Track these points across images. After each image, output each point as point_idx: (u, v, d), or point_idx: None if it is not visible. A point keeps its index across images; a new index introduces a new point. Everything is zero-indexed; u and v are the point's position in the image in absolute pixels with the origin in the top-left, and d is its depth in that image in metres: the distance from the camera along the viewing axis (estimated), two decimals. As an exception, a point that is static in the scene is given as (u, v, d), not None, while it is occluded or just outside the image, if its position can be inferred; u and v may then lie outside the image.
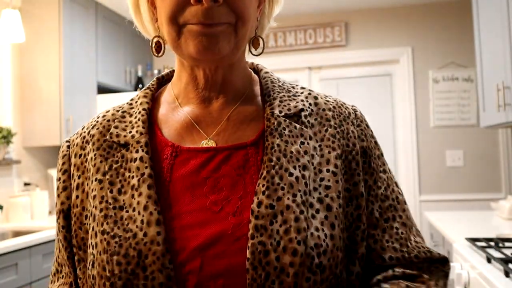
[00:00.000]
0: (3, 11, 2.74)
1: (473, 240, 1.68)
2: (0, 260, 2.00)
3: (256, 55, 0.68)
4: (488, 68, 2.40)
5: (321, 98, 0.70)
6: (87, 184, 0.64)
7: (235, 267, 0.56)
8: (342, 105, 0.70)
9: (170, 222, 0.59)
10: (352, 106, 0.72)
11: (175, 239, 0.58)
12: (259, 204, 0.58)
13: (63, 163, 0.68)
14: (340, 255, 0.59)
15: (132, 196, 0.60)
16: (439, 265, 0.66)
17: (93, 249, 0.60)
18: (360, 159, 0.66)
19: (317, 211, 0.59)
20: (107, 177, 0.62)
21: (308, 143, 0.63)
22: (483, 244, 1.62)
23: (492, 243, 1.59)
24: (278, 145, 0.62)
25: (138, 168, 0.61)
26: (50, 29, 2.99)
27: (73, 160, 0.67)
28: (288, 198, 0.58)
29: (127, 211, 0.59)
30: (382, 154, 0.70)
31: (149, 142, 0.64)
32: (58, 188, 0.67)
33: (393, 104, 3.86)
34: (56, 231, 0.68)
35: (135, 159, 0.62)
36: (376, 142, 0.70)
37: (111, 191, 0.61)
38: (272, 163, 0.60)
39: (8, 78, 2.98)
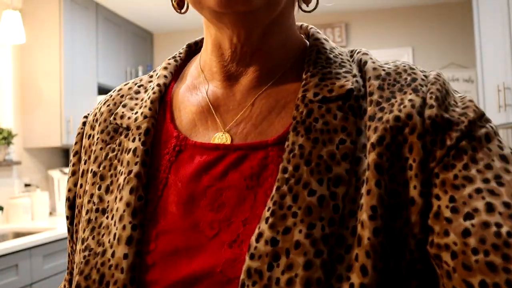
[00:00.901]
0: (3, 12, 2.74)
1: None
2: (0, 261, 2.00)
3: (309, 12, 0.51)
4: (488, 69, 2.40)
5: (383, 69, 0.47)
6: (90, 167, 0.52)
7: None
8: (414, 72, 0.46)
9: (149, 242, 0.44)
10: (435, 72, 0.46)
11: (149, 266, 0.43)
12: (259, 237, 0.39)
13: (76, 143, 0.58)
14: None
15: (115, 199, 0.46)
16: None
17: (77, 256, 0.47)
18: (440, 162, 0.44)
19: (348, 249, 0.39)
20: (101, 168, 0.49)
21: (353, 141, 0.42)
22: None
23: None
24: (301, 146, 0.42)
25: (128, 163, 0.47)
26: (51, 30, 2.99)
27: (84, 141, 0.56)
28: (301, 231, 0.39)
29: (107, 217, 0.46)
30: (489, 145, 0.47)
31: (152, 128, 0.49)
32: (69, 172, 0.56)
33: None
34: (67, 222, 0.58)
35: (129, 150, 0.48)
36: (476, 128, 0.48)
37: (99, 188, 0.48)
38: (287, 175, 0.41)
39: (8, 79, 2.97)
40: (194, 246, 0.42)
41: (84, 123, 0.58)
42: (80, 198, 0.52)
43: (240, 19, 0.44)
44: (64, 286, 0.59)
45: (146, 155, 0.47)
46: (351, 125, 0.43)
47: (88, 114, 0.59)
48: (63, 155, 3.51)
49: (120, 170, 0.48)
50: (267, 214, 0.40)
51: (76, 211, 0.53)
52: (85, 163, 0.53)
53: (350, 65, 0.48)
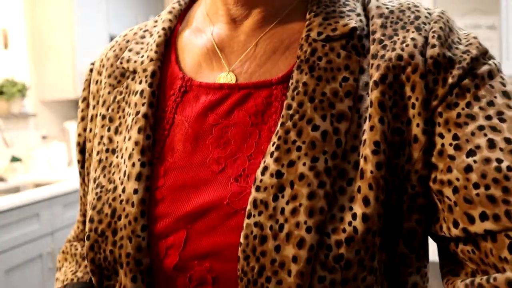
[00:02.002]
0: (10, -40, 2.67)
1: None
2: (22, 211, 2.06)
3: None
4: (514, 14, 2.29)
5: (388, 6, 0.47)
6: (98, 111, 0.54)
7: (226, 250, 0.41)
8: (419, 9, 0.46)
9: (157, 179, 0.46)
10: (441, 11, 0.46)
11: (158, 201, 0.45)
12: (264, 170, 0.41)
13: (84, 89, 0.59)
14: (377, 242, 0.39)
15: (124, 139, 0.48)
16: None
17: (91, 193, 0.50)
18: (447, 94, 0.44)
19: (350, 181, 0.40)
20: (110, 111, 0.51)
21: (356, 79, 0.43)
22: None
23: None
24: (305, 83, 0.43)
25: (135, 104, 0.49)
26: (59, -21, 2.92)
27: (92, 87, 0.57)
28: (304, 164, 0.40)
29: (117, 157, 0.48)
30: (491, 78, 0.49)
31: (158, 71, 0.50)
32: (77, 118, 0.59)
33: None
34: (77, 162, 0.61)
35: (136, 92, 0.49)
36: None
37: (109, 129, 0.51)
38: (291, 111, 0.42)
39: (21, 32, 2.95)
40: (202, 181, 0.44)
41: (91, 70, 0.59)
42: (90, 142, 0.54)
43: None
44: (78, 227, 0.64)
45: (153, 96, 0.49)
46: (354, 64, 0.43)
47: (95, 61, 0.60)
48: (77, 107, 3.53)
49: (128, 112, 0.49)
50: (272, 148, 0.42)
51: (87, 154, 0.55)
52: (93, 108, 0.55)
53: (354, 4, 0.48)
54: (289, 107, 0.43)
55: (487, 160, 0.37)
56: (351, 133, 0.41)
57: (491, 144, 0.38)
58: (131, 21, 3.61)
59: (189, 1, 0.57)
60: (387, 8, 0.46)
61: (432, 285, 3.29)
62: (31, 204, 2.12)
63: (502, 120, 0.39)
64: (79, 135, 0.57)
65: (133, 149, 0.46)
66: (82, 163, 0.58)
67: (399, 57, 0.42)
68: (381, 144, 0.40)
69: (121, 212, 0.45)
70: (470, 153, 0.38)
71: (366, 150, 0.40)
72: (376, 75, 0.42)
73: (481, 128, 0.39)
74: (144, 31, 0.56)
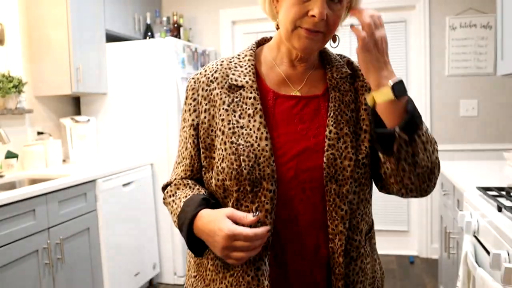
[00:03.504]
0: (6, -45, 2.66)
1: (484, 189, 1.68)
2: (18, 206, 2.06)
3: (334, 47, 0.98)
4: (509, 14, 2.31)
5: (354, 63, 1.04)
6: (213, 110, 0.97)
7: (316, 166, 0.92)
8: (357, 66, 1.02)
9: (274, 139, 0.93)
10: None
11: (278, 148, 0.93)
12: (330, 131, 0.94)
13: (193, 93, 1.00)
14: (370, 157, 0.95)
15: (249, 121, 0.93)
16: None
17: (223, 151, 0.93)
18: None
19: (360, 135, 0.96)
20: (232, 106, 0.95)
21: (352, 94, 0.99)
22: (494, 193, 1.62)
23: (504, 193, 1.59)
24: (338, 96, 0.97)
25: (252, 104, 0.94)
26: (56, -26, 2.91)
27: (200, 92, 0.99)
28: (346, 129, 0.94)
29: (245, 130, 0.92)
30: None
31: (258, 87, 0.97)
32: (189, 110, 1.00)
33: (407, 52, 3.77)
34: (185, 136, 1.02)
35: (250, 97, 0.95)
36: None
37: (235, 116, 0.94)
38: (336, 107, 0.96)
39: (16, 27, 2.94)
40: (297, 139, 0.94)
41: (195, 82, 1.01)
42: (204, 124, 0.97)
43: (308, 53, 0.97)
44: (184, 173, 1.03)
45: (260, 100, 0.96)
46: (352, 89, 1.00)
47: (195, 77, 1.02)
48: (73, 104, 3.52)
49: (246, 107, 0.94)
50: (331, 122, 0.95)
51: (203, 131, 0.97)
52: (206, 105, 0.98)
53: (342, 62, 1.03)
54: (334, 105, 0.96)
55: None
56: (359, 116, 0.97)
57: None
58: (127, 18, 3.61)
59: (256, 45, 1.05)
60: (357, 66, 1.03)
61: (429, 283, 3.32)
62: (27, 200, 2.12)
63: None
64: (193, 119, 0.99)
65: (259, 125, 0.92)
66: (195, 135, 0.99)
67: (362, 93, 1.00)
68: (369, 124, 0.95)
69: (260, 155, 0.90)
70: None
71: (366, 123, 0.96)
72: (362, 98, 0.99)
73: None
74: (235, 64, 1.00)
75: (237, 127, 0.92)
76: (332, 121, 0.94)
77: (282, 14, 0.92)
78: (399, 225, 3.91)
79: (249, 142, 0.90)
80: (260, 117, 0.93)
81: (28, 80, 2.99)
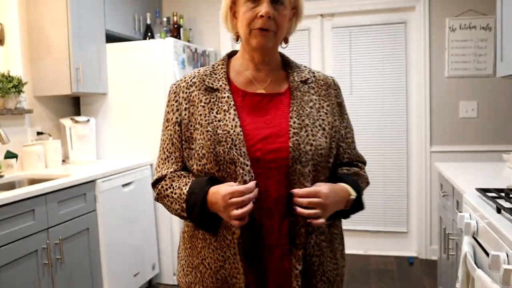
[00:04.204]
0: (7, -45, 2.66)
1: (483, 191, 1.68)
2: (18, 206, 2.06)
3: (284, 48, 1.24)
4: (509, 16, 2.31)
5: (316, 73, 1.26)
6: (192, 108, 1.15)
7: (282, 148, 1.10)
8: (326, 77, 1.26)
9: (245, 127, 1.11)
10: (331, 77, 1.28)
11: (246, 134, 1.10)
12: (294, 122, 1.12)
13: (175, 96, 1.19)
14: (328, 152, 1.15)
15: (225, 115, 1.12)
16: (364, 163, 1.30)
17: (202, 140, 1.11)
18: (337, 108, 1.23)
19: (319, 129, 1.15)
20: (209, 105, 1.14)
21: (310, 97, 1.19)
22: (493, 194, 1.62)
23: (503, 194, 1.59)
24: (299, 95, 1.18)
25: (226, 101, 1.14)
26: (56, -26, 2.91)
27: (181, 94, 1.18)
28: (307, 121, 1.14)
29: (222, 122, 1.11)
30: (344, 106, 1.28)
31: (229, 88, 1.17)
32: (172, 110, 1.18)
33: (407, 53, 3.77)
34: (169, 134, 1.19)
35: (224, 97, 1.14)
36: (343, 99, 1.27)
37: (212, 113, 1.13)
38: (297, 103, 1.16)
39: (16, 27, 2.94)
40: (263, 127, 1.12)
41: (176, 87, 1.21)
42: (185, 120, 1.16)
43: (264, 51, 1.17)
44: (176, 164, 1.19)
45: (232, 98, 1.15)
46: (310, 91, 1.21)
47: (176, 83, 1.22)
48: (73, 104, 3.52)
49: (222, 105, 1.13)
50: (294, 114, 1.14)
51: (184, 126, 1.16)
52: (186, 104, 1.17)
53: (303, 69, 1.25)
54: (296, 102, 1.16)
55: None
56: (315, 113, 1.17)
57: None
58: (127, 18, 3.61)
59: (227, 57, 1.25)
60: (321, 77, 1.26)
61: (429, 284, 3.32)
62: (26, 200, 2.12)
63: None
64: (177, 117, 1.17)
65: (234, 117, 1.11)
66: (180, 131, 1.17)
67: (331, 100, 1.24)
68: (329, 124, 1.19)
69: (235, 138, 1.08)
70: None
71: (325, 122, 1.18)
72: (324, 104, 1.21)
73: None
74: (210, 72, 1.20)
75: (216, 121, 1.11)
76: (295, 114, 1.14)
77: (239, 24, 1.15)
78: (398, 226, 3.91)
79: (226, 130, 1.09)
80: (234, 110, 1.12)
81: (28, 80, 2.99)
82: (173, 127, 1.18)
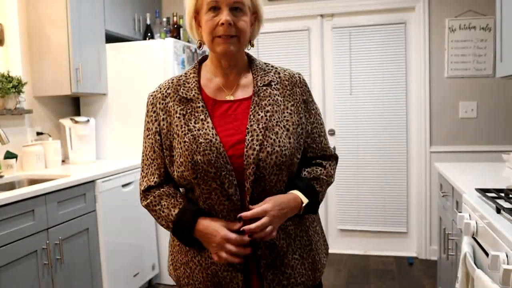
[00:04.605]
0: (7, -45, 2.66)
1: (483, 191, 1.68)
2: (17, 207, 2.06)
3: (249, 50, 1.32)
4: (508, 16, 2.31)
5: (282, 72, 1.29)
6: (170, 118, 1.22)
7: (244, 152, 1.16)
8: (293, 75, 1.30)
9: (219, 134, 1.18)
10: (298, 73, 1.32)
11: (222, 140, 1.17)
12: (251, 125, 1.18)
13: (153, 107, 1.26)
14: (293, 151, 1.20)
15: (203, 124, 1.18)
16: (332, 155, 1.35)
17: (180, 149, 1.17)
18: (303, 105, 1.28)
19: (283, 131, 1.20)
20: (186, 116, 1.20)
21: (273, 98, 1.23)
22: (493, 195, 1.63)
23: (502, 194, 1.60)
24: (257, 100, 1.23)
25: (202, 111, 1.20)
26: (56, -25, 2.91)
27: (158, 105, 1.25)
28: (266, 124, 1.19)
29: (202, 131, 1.17)
30: (313, 101, 1.33)
31: (202, 97, 1.23)
32: (151, 121, 1.25)
33: (407, 53, 3.77)
34: (151, 142, 1.25)
35: (199, 106, 1.21)
36: (311, 94, 1.32)
37: (190, 122, 1.19)
38: (255, 109, 1.21)
39: (16, 28, 2.94)
40: (233, 133, 1.18)
41: (153, 97, 1.28)
42: (163, 130, 1.22)
43: (229, 57, 1.23)
44: (157, 178, 1.25)
45: (205, 107, 1.21)
46: (273, 92, 1.25)
47: (153, 94, 1.29)
48: (73, 104, 3.52)
49: (197, 115, 1.19)
50: (252, 119, 1.19)
51: (163, 135, 1.22)
52: (163, 114, 1.23)
53: (270, 69, 1.30)
54: (254, 108, 1.21)
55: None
56: (277, 115, 1.21)
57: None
58: (127, 19, 3.61)
59: (198, 64, 1.31)
60: (287, 76, 1.30)
61: (428, 285, 3.32)
62: (26, 200, 2.12)
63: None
64: (156, 127, 1.24)
65: (208, 125, 1.17)
66: (160, 140, 1.23)
67: (296, 99, 1.29)
68: (295, 123, 1.24)
69: (219, 147, 1.15)
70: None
71: (290, 123, 1.22)
72: (289, 104, 1.26)
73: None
74: (183, 81, 1.27)
75: (195, 130, 1.17)
76: (252, 119, 1.19)
77: (203, 32, 1.21)
78: (398, 226, 3.92)
79: (208, 139, 1.15)
80: (209, 119, 1.19)
81: (28, 81, 2.99)
82: (153, 137, 1.24)
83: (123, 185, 2.96)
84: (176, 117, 1.20)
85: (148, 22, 3.73)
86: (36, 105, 3.13)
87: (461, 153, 3.66)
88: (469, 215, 1.64)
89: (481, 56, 3.57)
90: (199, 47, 1.28)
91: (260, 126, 1.17)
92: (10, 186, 2.63)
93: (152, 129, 1.25)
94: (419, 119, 3.73)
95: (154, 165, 1.26)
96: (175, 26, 3.77)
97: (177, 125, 1.19)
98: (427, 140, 3.73)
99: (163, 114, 1.23)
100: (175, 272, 1.31)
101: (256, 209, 1.13)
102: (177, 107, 1.21)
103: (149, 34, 3.71)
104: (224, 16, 1.15)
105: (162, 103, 1.24)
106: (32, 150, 2.89)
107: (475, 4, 3.54)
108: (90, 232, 2.62)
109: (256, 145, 1.15)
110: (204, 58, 1.33)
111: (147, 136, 1.26)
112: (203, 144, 1.14)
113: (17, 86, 2.80)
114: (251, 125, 1.17)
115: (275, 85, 1.25)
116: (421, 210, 3.81)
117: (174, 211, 1.21)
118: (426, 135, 3.72)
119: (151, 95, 1.28)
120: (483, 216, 1.46)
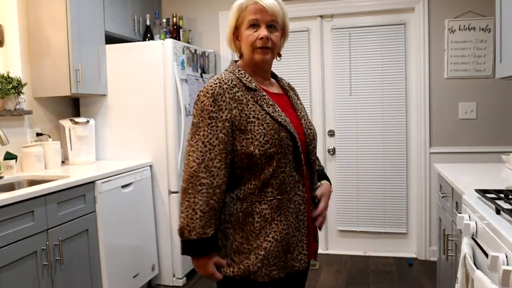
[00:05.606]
0: (7, -44, 2.66)
1: (482, 192, 1.68)
2: (17, 207, 2.06)
3: (278, 60, 1.58)
4: (508, 17, 2.32)
5: (283, 80, 1.64)
6: (240, 106, 1.37)
7: (300, 133, 1.47)
8: (289, 83, 1.67)
9: (289, 118, 1.45)
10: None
11: (293, 124, 1.46)
12: (300, 113, 1.54)
13: (221, 97, 1.36)
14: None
15: (274, 108, 1.41)
16: None
17: (263, 130, 1.36)
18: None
19: (310, 119, 1.83)
20: (259, 102, 1.40)
21: (295, 96, 1.61)
22: (492, 195, 1.63)
23: (502, 195, 1.59)
24: (291, 95, 1.58)
25: (268, 98, 1.43)
26: (56, -24, 2.91)
27: (227, 95, 1.36)
28: (303, 113, 1.56)
29: (277, 113, 1.40)
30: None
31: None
32: (220, 109, 1.35)
33: (406, 54, 3.78)
34: (215, 130, 1.34)
35: (264, 95, 1.43)
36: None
37: (263, 107, 1.39)
38: (293, 101, 1.57)
39: (15, 28, 2.94)
40: (291, 121, 1.47)
41: (220, 87, 1.37)
42: (236, 117, 1.36)
43: (265, 64, 1.51)
44: (220, 156, 1.35)
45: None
46: (291, 91, 1.64)
47: (218, 84, 1.38)
48: (72, 105, 3.52)
49: (266, 101, 1.41)
50: (298, 107, 1.57)
51: (237, 122, 1.36)
52: (234, 103, 1.37)
53: (280, 78, 1.66)
54: (293, 100, 1.59)
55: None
56: (303, 106, 1.62)
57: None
58: (127, 19, 3.61)
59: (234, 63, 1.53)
60: (285, 82, 1.67)
61: (428, 285, 3.32)
62: (26, 201, 2.12)
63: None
64: (227, 115, 1.35)
65: (277, 109, 1.42)
66: (231, 126, 1.36)
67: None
68: (305, 114, 1.61)
69: (289, 124, 1.42)
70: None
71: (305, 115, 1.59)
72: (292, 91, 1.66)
73: None
74: (239, 75, 1.44)
75: (271, 113, 1.39)
76: (297, 107, 1.56)
77: (243, 45, 1.47)
78: (398, 227, 3.91)
79: (284, 119, 1.41)
80: (278, 106, 1.45)
81: (27, 81, 2.99)
82: (222, 124, 1.35)
83: (123, 186, 2.96)
84: (251, 103, 1.39)
85: (148, 23, 3.73)
86: (36, 106, 3.13)
87: (461, 154, 3.66)
88: (469, 216, 1.64)
89: (481, 57, 3.57)
90: (240, 57, 1.53)
91: (304, 114, 1.55)
92: (10, 187, 2.63)
93: (221, 116, 1.35)
94: (419, 120, 3.74)
95: (215, 151, 1.35)
96: (175, 27, 3.77)
97: (253, 110, 1.38)
98: (427, 141, 3.73)
99: (234, 103, 1.37)
100: (240, 265, 1.41)
101: (322, 206, 1.54)
102: (247, 95, 1.40)
103: (148, 35, 3.71)
104: (263, 31, 1.42)
105: (230, 93, 1.38)
106: (32, 151, 2.89)
107: (475, 5, 3.55)
108: (90, 233, 2.61)
109: (309, 127, 1.51)
110: (236, 62, 1.55)
111: (209, 124, 1.34)
112: (282, 123, 1.39)
113: (17, 87, 2.80)
114: (300, 112, 1.53)
115: (287, 86, 1.64)
116: (420, 211, 3.81)
117: (210, 230, 1.35)
118: (426, 136, 3.73)
119: (217, 86, 1.37)
120: (483, 217, 1.47)
